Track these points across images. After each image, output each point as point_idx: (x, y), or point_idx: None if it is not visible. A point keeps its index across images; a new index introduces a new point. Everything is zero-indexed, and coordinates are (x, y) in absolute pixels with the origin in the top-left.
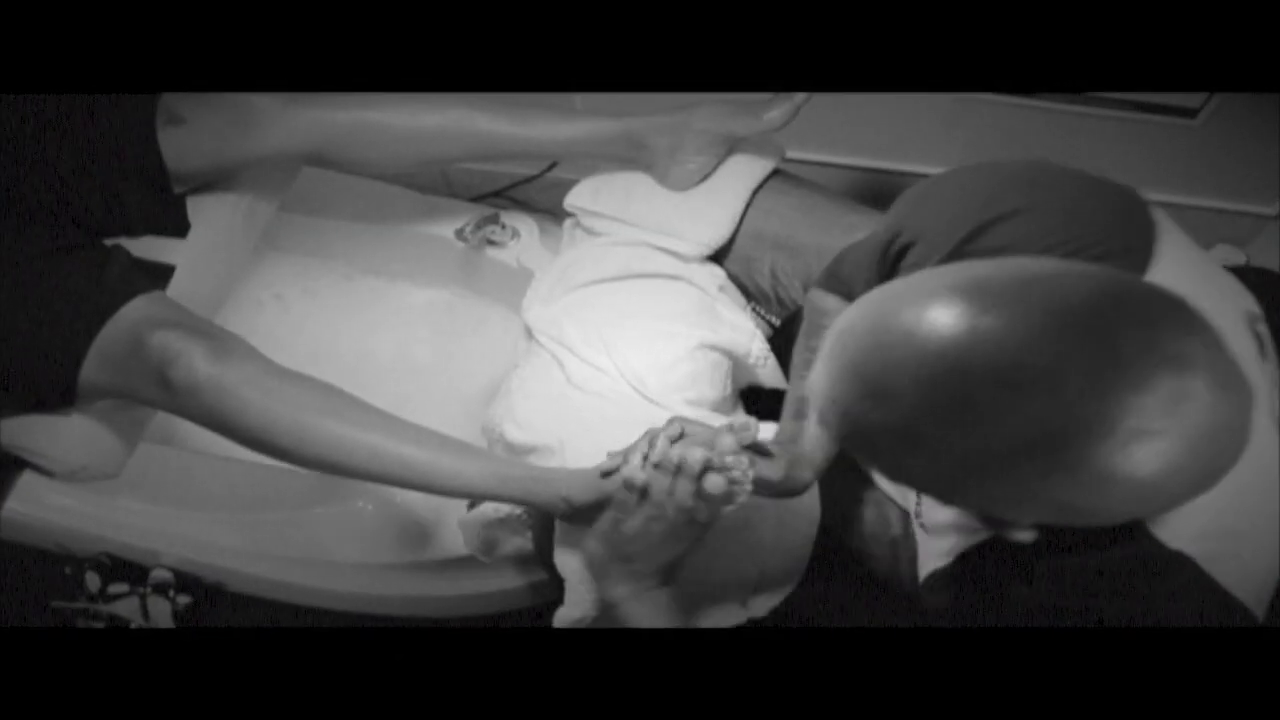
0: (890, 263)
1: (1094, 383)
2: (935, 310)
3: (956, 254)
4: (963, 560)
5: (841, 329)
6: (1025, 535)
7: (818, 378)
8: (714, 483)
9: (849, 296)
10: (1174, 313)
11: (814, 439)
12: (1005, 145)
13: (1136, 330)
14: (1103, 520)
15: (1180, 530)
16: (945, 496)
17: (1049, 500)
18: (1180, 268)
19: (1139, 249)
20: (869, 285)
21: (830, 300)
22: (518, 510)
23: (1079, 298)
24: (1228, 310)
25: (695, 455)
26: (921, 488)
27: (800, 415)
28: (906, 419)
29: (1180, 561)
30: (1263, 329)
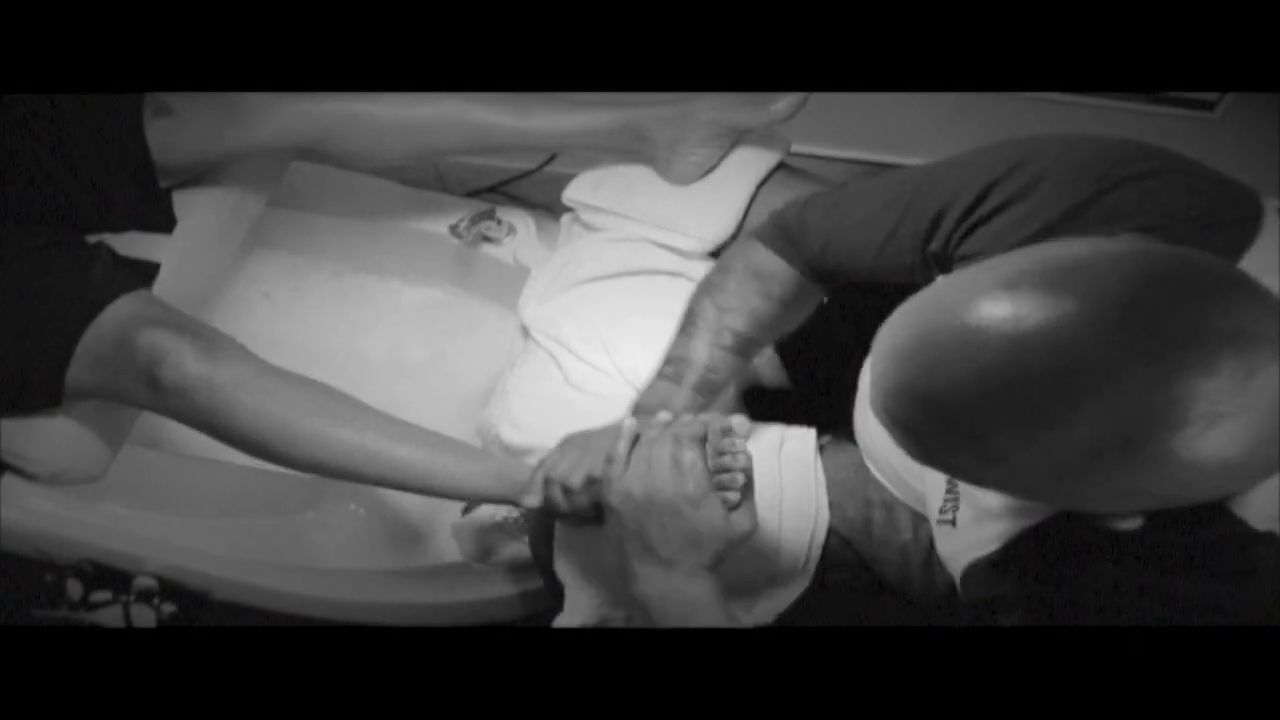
0: (974, 222)
1: (1156, 373)
2: (976, 320)
3: (1070, 215)
4: (1016, 544)
5: (887, 350)
6: (1131, 523)
7: (875, 401)
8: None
9: (806, 263)
10: (1223, 285)
11: (684, 406)
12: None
13: (1187, 312)
14: (1203, 499)
15: (1267, 510)
16: (1035, 499)
17: (1141, 492)
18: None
19: (1248, 219)
20: (884, 250)
21: (773, 262)
22: (515, 514)
23: (1120, 284)
24: None
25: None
26: (1009, 494)
27: (678, 379)
28: (975, 437)
29: (1270, 540)
30: None
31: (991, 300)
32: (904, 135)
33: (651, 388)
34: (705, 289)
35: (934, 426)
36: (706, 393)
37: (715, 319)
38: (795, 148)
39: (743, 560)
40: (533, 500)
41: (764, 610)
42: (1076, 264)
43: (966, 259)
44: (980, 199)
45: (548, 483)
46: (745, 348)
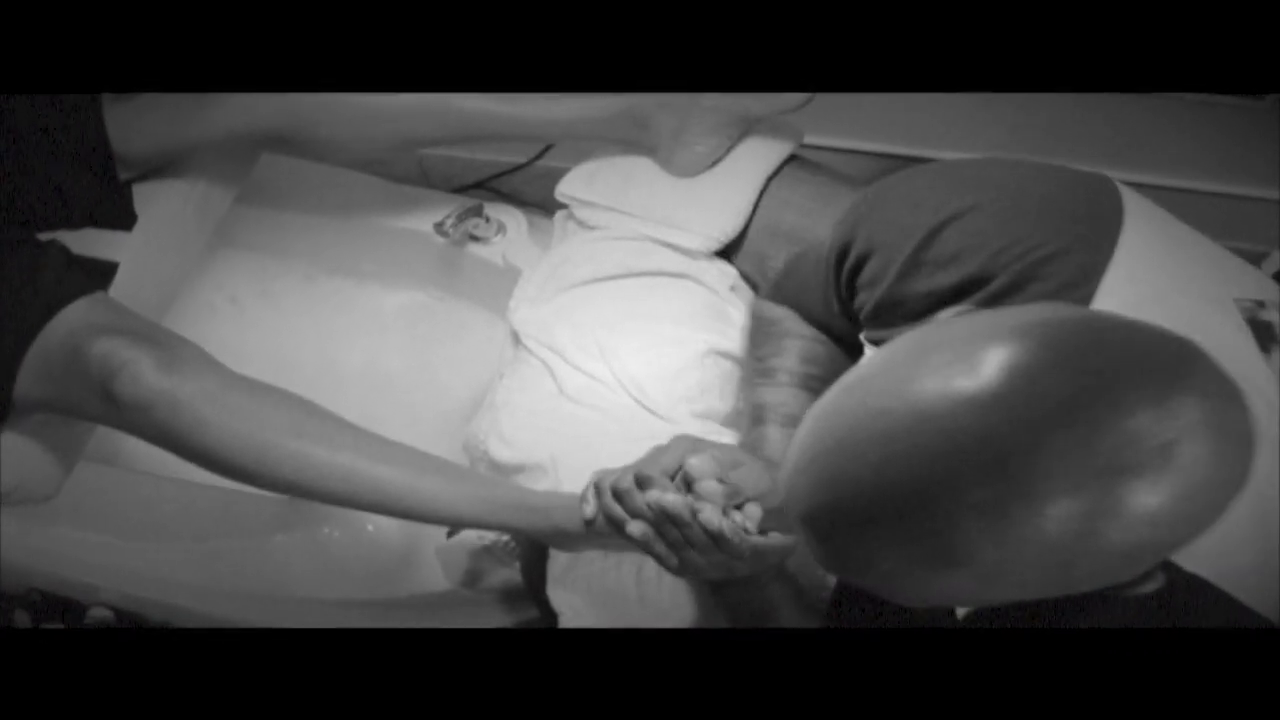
0: (847, 280)
1: (1078, 435)
2: (847, 463)
3: (910, 265)
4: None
5: (785, 481)
6: (1154, 584)
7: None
8: (732, 527)
9: (799, 309)
10: (1080, 330)
11: (779, 443)
12: (1048, 131)
13: (1060, 367)
14: (1209, 525)
15: (1193, 552)
16: (1050, 593)
17: (1156, 546)
18: (1148, 255)
19: (1099, 240)
20: (828, 305)
21: (780, 309)
22: (503, 538)
23: (990, 363)
24: (1208, 297)
25: (710, 514)
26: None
27: (760, 421)
28: (957, 563)
29: (1199, 585)
30: (1273, 316)
31: (862, 438)
32: (923, 126)
33: (743, 441)
34: (747, 350)
35: (864, 560)
36: (794, 426)
37: (765, 368)
38: (808, 138)
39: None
40: (589, 510)
41: None
42: (954, 354)
43: (871, 320)
44: (840, 262)
45: (599, 491)
46: (808, 381)
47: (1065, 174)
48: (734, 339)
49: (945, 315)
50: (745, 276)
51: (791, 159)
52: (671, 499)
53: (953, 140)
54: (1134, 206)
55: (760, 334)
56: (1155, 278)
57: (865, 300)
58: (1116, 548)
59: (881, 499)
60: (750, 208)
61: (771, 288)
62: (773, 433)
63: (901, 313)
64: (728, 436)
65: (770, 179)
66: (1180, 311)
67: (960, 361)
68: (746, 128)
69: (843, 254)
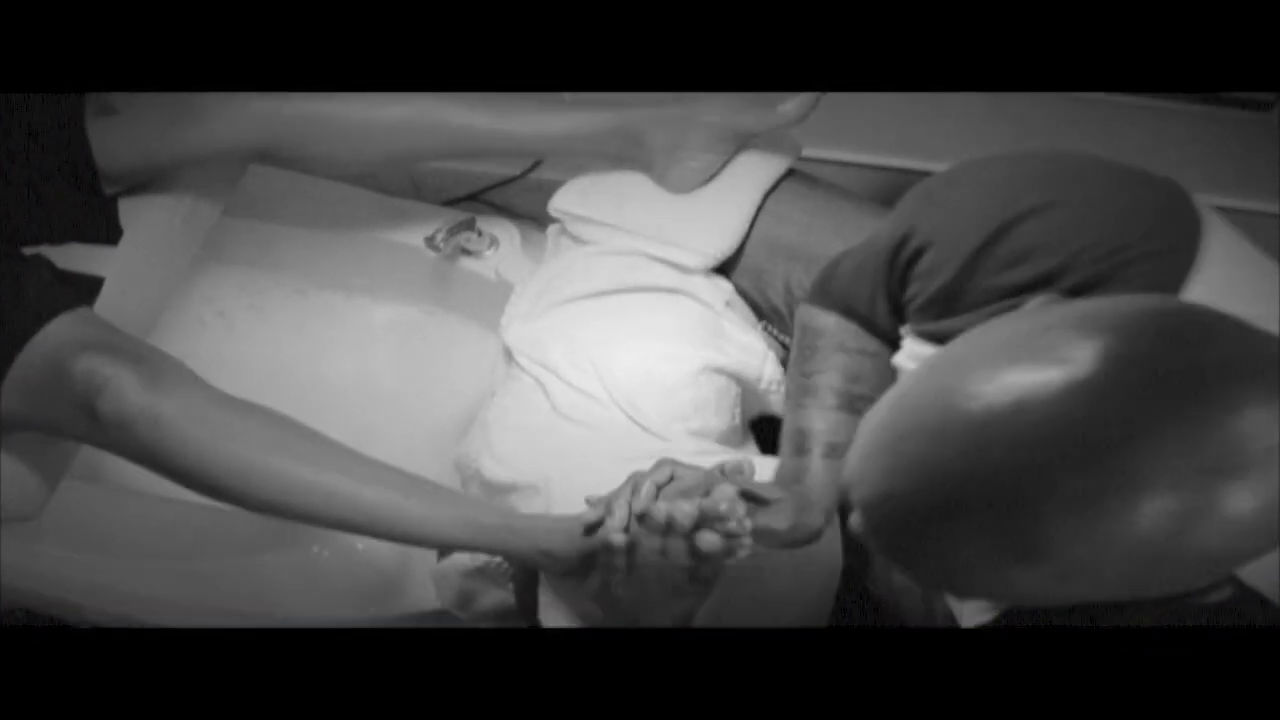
0: (901, 270)
1: (1186, 430)
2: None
3: (976, 259)
4: (1013, 614)
5: (852, 483)
6: (1222, 593)
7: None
8: (709, 541)
9: (846, 311)
10: (1193, 322)
11: (820, 476)
12: (1054, 141)
13: (1173, 358)
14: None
15: (1255, 566)
16: (1126, 595)
17: (1241, 552)
18: (1230, 264)
19: (1182, 247)
20: (874, 299)
21: (826, 318)
22: (496, 558)
23: (1093, 350)
24: None
25: (684, 511)
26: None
27: (802, 450)
28: (1041, 555)
29: (1259, 601)
30: None
31: (956, 428)
32: (928, 137)
33: (782, 466)
34: (792, 362)
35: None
36: (838, 456)
37: (810, 385)
38: (807, 152)
39: (749, 612)
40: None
41: None
42: (1054, 341)
43: (921, 311)
44: (897, 251)
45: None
46: (853, 403)
47: (1144, 176)
48: (730, 355)
49: (1034, 304)
50: (742, 292)
51: (790, 173)
52: (687, 509)
53: (953, 151)
54: (1207, 214)
55: (806, 347)
56: (1239, 288)
57: (918, 291)
58: (1204, 551)
59: (968, 486)
60: (747, 223)
61: (816, 289)
62: (815, 465)
63: (957, 305)
64: (723, 454)
65: (768, 194)
66: (1266, 324)
67: (1062, 347)
68: (743, 142)
69: (901, 243)
